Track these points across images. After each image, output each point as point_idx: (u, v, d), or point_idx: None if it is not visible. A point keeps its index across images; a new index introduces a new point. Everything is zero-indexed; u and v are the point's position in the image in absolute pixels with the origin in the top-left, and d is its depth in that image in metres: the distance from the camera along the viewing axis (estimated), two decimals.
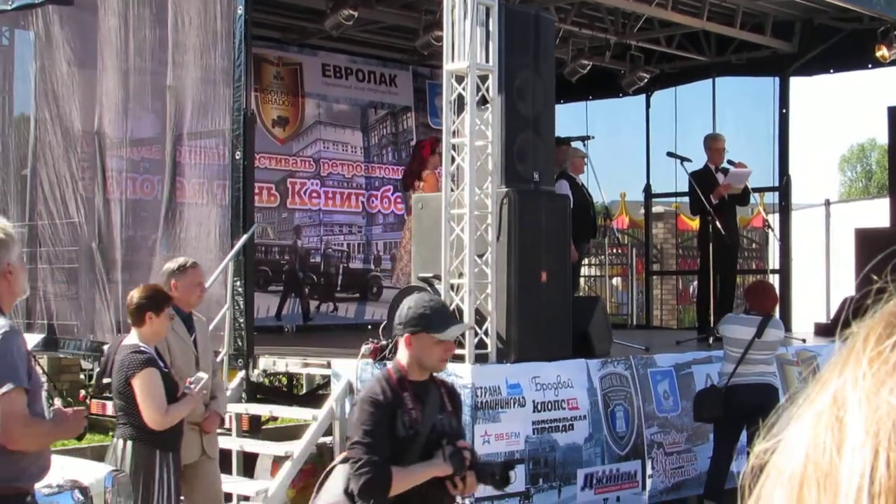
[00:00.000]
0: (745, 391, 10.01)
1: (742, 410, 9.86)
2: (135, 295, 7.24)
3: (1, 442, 4.86)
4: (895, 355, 0.90)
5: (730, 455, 10.27)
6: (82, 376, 16.45)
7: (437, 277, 9.56)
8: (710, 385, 10.73)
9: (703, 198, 13.38)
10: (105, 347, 7.20)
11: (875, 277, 1.06)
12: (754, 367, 10.11)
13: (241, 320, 10.39)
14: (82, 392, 15.91)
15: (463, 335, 9.23)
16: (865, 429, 0.88)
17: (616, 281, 24.91)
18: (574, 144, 13.90)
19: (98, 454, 13.15)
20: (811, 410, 0.94)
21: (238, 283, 10.40)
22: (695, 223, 15.90)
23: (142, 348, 7.09)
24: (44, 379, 6.60)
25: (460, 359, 9.20)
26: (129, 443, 7.13)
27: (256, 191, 12.96)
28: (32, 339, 8.88)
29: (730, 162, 14.16)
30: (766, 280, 12.53)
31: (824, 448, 0.90)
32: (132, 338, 7.22)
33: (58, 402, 7.35)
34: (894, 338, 0.92)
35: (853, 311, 1.00)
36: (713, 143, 14.29)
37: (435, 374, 5.55)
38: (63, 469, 7.74)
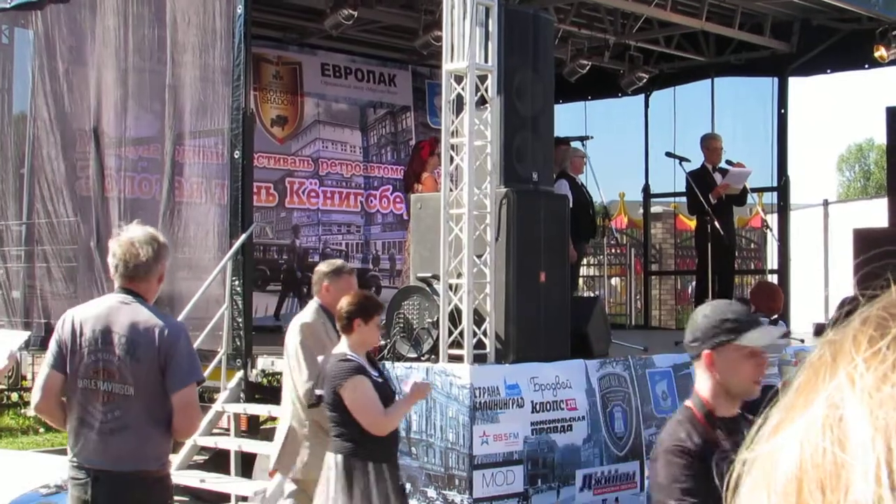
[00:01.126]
0: None
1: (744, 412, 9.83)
2: (343, 303, 7.04)
3: (183, 429, 5.76)
4: (892, 353, 0.91)
5: None
6: None
7: (436, 277, 9.56)
8: None
9: (701, 198, 13.38)
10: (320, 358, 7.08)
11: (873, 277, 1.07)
12: None
13: (240, 320, 10.38)
14: None
15: (461, 335, 9.24)
16: (872, 425, 0.88)
17: (615, 281, 24.89)
18: (573, 144, 13.90)
19: None
20: (800, 416, 0.94)
21: (236, 283, 10.40)
22: (693, 223, 15.89)
23: (349, 356, 6.90)
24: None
25: (458, 359, 9.20)
26: (340, 457, 6.80)
27: (255, 190, 12.95)
28: (18, 337, 8.84)
29: (728, 162, 14.16)
30: (771, 281, 12.50)
31: (824, 450, 0.90)
32: (341, 346, 7.04)
33: None
34: (888, 338, 0.93)
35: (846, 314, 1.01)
36: (710, 143, 14.30)
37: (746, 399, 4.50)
38: (61, 469, 7.75)
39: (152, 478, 5.65)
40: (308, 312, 7.89)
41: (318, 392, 6.96)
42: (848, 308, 1.02)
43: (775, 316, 10.34)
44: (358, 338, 6.97)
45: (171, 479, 5.99)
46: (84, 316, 5.72)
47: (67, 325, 5.73)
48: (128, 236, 5.72)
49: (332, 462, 6.78)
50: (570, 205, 11.19)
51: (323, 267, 8.11)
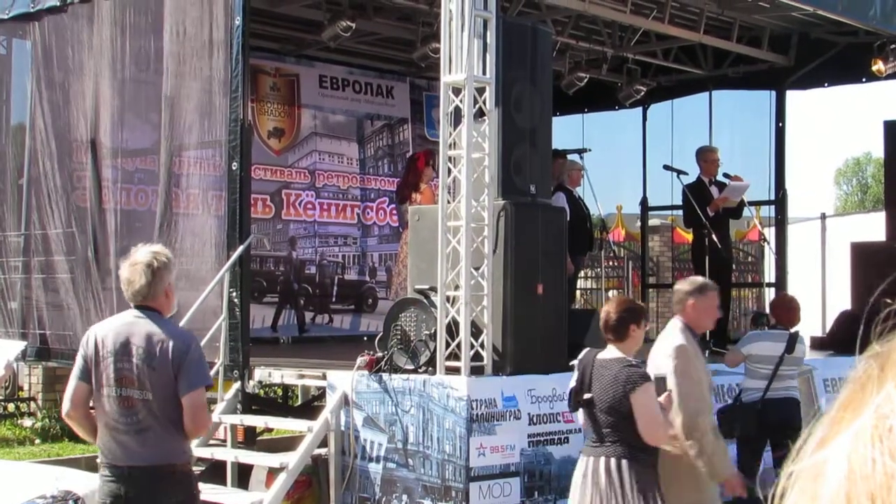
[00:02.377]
0: (772, 406, 9.93)
1: (769, 426, 9.80)
2: (612, 309, 7.12)
3: (193, 429, 6.28)
4: None
5: (755, 471, 10.10)
6: None
7: (434, 289, 9.55)
8: (734, 401, 10.51)
9: (699, 211, 13.37)
10: (574, 361, 7.07)
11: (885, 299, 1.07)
12: (783, 382, 10.02)
13: (237, 331, 10.37)
14: None
15: (458, 347, 9.23)
16: None
17: (612, 294, 24.88)
18: (570, 157, 13.90)
19: (92, 465, 13.13)
20: (847, 429, 0.94)
21: (234, 294, 10.39)
22: (690, 236, 15.89)
23: (634, 361, 7.00)
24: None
25: (455, 371, 9.20)
26: (625, 462, 6.78)
27: (251, 202, 12.95)
28: (15, 348, 8.84)
29: (725, 175, 14.16)
30: (789, 294, 12.48)
31: (873, 461, 0.90)
32: (612, 352, 7.07)
33: None
34: None
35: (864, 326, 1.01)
36: (707, 155, 14.28)
37: None
38: (58, 480, 7.72)
39: (179, 471, 6.30)
40: (676, 333, 7.53)
41: (586, 396, 6.98)
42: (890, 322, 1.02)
43: (795, 329, 10.31)
44: (631, 343, 7.10)
45: (194, 473, 6.70)
46: (105, 331, 6.37)
47: (91, 340, 6.36)
48: (131, 259, 6.34)
49: (606, 467, 6.79)
50: (568, 217, 11.19)
51: (685, 286, 7.82)
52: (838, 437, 0.94)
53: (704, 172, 14.09)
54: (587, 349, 7.31)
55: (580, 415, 7.17)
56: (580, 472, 6.92)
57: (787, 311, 10.47)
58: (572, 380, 7.17)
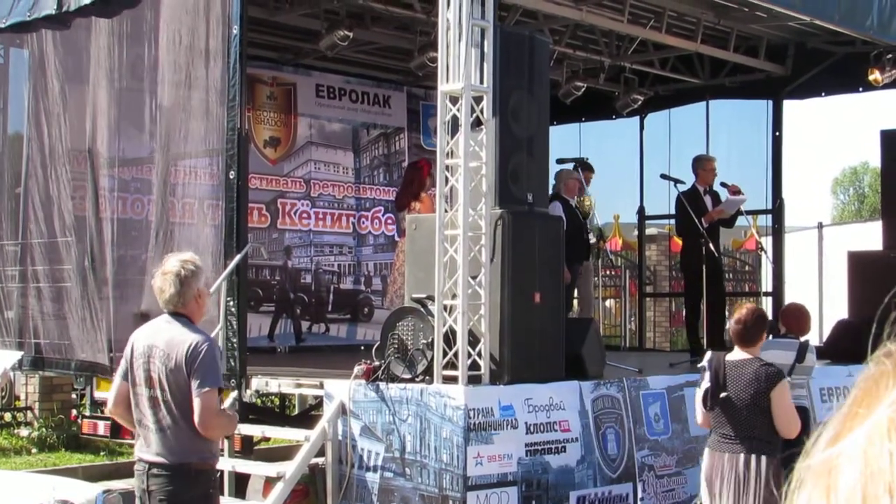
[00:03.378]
0: None
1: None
2: (746, 319, 7.87)
3: (200, 428, 6.55)
4: None
5: None
6: (74, 396, 16.41)
7: (431, 298, 9.54)
8: None
9: (696, 220, 13.38)
10: (702, 363, 7.85)
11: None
12: (792, 391, 10.05)
13: (234, 340, 10.35)
14: (73, 412, 15.88)
15: (456, 356, 9.23)
16: None
17: (609, 303, 24.90)
18: (566, 167, 13.91)
19: (89, 474, 13.12)
20: (861, 425, 0.94)
21: (231, 303, 10.37)
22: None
23: (768, 362, 7.72)
24: None
25: (453, 380, 9.19)
26: (764, 458, 7.41)
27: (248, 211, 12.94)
28: (11, 357, 8.87)
29: (723, 184, 14.17)
30: (799, 303, 12.49)
31: (890, 454, 0.90)
32: (740, 353, 7.79)
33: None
34: None
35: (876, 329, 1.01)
36: (705, 164, 14.30)
37: None
38: (54, 489, 7.71)
39: (195, 470, 6.67)
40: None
41: (724, 394, 7.53)
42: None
43: (805, 337, 10.32)
44: (758, 347, 7.83)
45: (213, 473, 6.97)
46: (138, 335, 6.94)
47: (129, 343, 6.97)
48: (162, 269, 6.86)
49: (746, 461, 7.36)
50: (565, 227, 11.20)
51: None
52: (853, 432, 0.95)
53: (700, 181, 14.10)
54: (711, 352, 8.01)
55: (699, 413, 7.82)
56: (711, 467, 7.47)
57: (797, 319, 10.50)
58: (705, 381, 7.71)
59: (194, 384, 6.56)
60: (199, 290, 6.84)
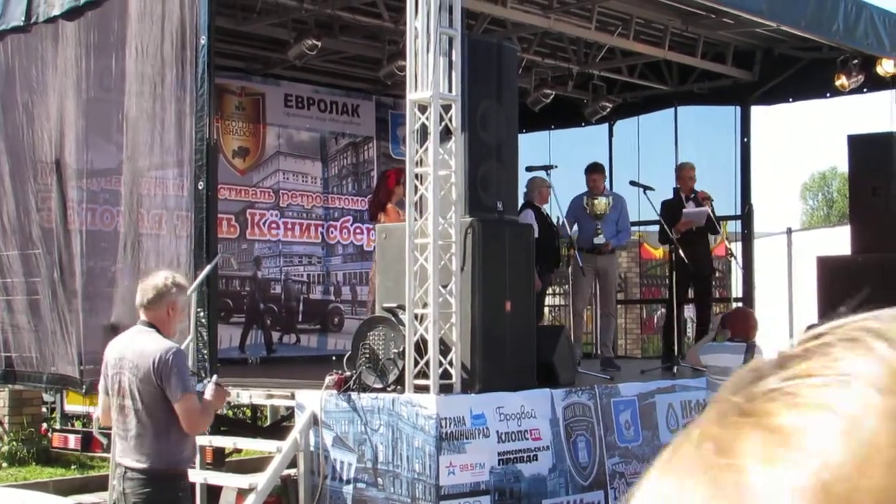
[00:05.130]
0: None
1: None
2: None
3: (188, 431, 6.94)
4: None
5: None
6: (44, 409, 16.31)
7: (402, 307, 9.53)
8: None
9: (666, 228, 13.49)
10: None
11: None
12: None
13: (205, 351, 10.31)
14: (44, 425, 15.78)
15: (427, 365, 9.21)
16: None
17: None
18: (538, 174, 13.92)
19: (60, 488, 13.04)
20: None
21: (202, 314, 10.33)
22: (659, 252, 15.98)
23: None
24: None
25: (424, 389, 9.17)
26: None
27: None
28: None
29: (692, 191, 14.30)
30: (746, 307, 12.61)
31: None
32: None
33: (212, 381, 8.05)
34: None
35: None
36: (681, 172, 14.59)
37: None
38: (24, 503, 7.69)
39: (167, 474, 6.94)
40: None
41: None
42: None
43: (752, 341, 10.37)
44: None
45: (184, 477, 7.23)
46: (111, 347, 7.25)
47: (105, 354, 7.26)
48: (144, 279, 7.32)
49: None
50: (536, 234, 11.21)
51: None
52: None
53: (682, 188, 14.36)
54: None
55: None
56: None
57: (742, 324, 10.55)
58: None
59: (171, 393, 6.82)
60: (174, 303, 7.09)
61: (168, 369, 6.82)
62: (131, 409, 6.96)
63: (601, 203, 14.02)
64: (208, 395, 7.38)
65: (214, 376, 9.86)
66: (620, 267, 22.31)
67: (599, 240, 13.78)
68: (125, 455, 7.03)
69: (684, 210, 14.06)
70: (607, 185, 14.91)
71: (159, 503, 6.99)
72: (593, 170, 14.50)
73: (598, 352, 14.38)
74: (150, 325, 7.04)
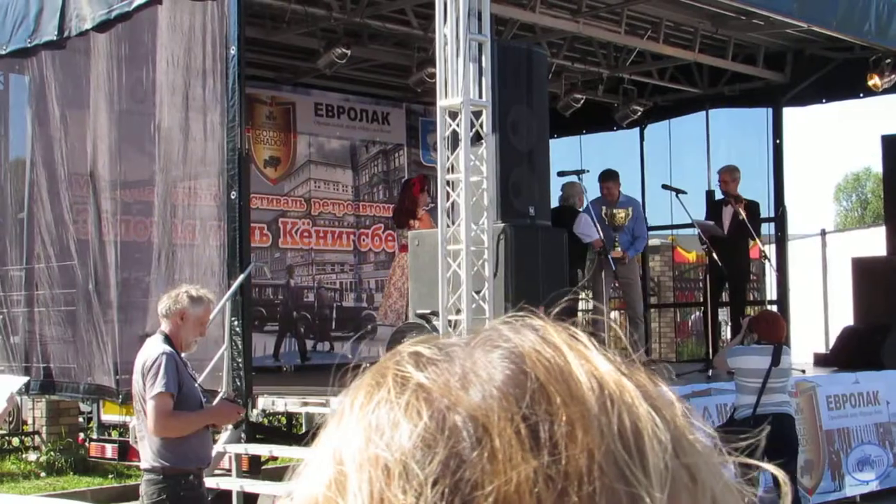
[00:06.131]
0: (764, 422, 9.89)
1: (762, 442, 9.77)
2: None
3: (152, 431, 6.99)
4: (375, 416, 0.92)
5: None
6: (81, 419, 16.40)
7: (435, 314, 9.54)
8: (728, 419, 10.51)
9: (701, 233, 13.60)
10: None
11: None
12: (773, 396, 10.00)
13: (240, 360, 10.34)
14: (81, 435, 15.87)
15: None
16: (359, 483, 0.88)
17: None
18: (572, 179, 13.92)
19: (97, 498, 13.11)
20: (312, 467, 0.93)
21: (236, 323, 10.37)
22: (692, 255, 15.98)
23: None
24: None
25: None
26: None
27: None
28: (17, 382, 8.86)
29: (727, 194, 14.36)
30: (772, 310, 12.59)
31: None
32: None
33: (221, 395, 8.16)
34: (376, 398, 0.94)
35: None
36: (721, 176, 14.70)
37: None
38: None
39: (167, 474, 7.07)
40: None
41: None
42: None
43: (780, 343, 10.31)
44: None
45: (185, 476, 7.21)
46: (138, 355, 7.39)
47: None
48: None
49: None
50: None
51: None
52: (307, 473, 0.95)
53: (722, 191, 14.55)
54: None
55: None
56: None
57: (770, 327, 10.48)
58: None
59: (147, 392, 7.00)
60: (183, 313, 7.21)
61: (149, 369, 6.98)
62: (139, 412, 7.19)
63: (620, 214, 14.04)
64: (214, 405, 7.54)
65: (225, 391, 9.91)
66: (654, 271, 22.29)
67: (616, 252, 13.80)
68: (141, 457, 7.30)
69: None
70: (622, 192, 14.88)
71: (161, 502, 7.13)
72: (607, 177, 14.50)
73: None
74: (164, 333, 7.22)
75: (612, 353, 0.98)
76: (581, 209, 13.89)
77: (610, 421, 0.89)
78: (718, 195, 14.73)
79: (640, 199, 17.80)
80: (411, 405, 0.91)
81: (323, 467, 0.93)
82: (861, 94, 16.28)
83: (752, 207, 14.51)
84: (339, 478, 0.90)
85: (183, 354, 7.26)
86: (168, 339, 7.17)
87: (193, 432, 7.18)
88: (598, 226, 13.41)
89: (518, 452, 0.85)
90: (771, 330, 10.40)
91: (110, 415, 13.77)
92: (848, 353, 13.85)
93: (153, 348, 7.13)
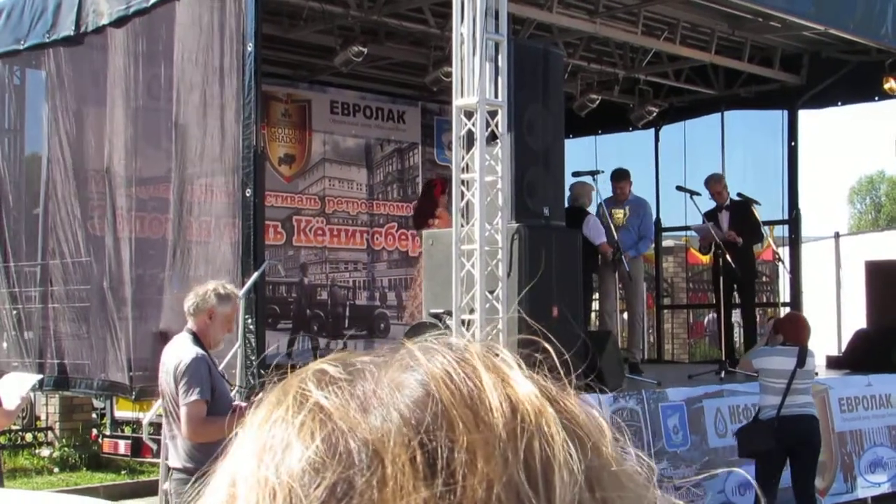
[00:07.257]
0: (789, 423, 9.91)
1: (785, 443, 9.79)
2: None
3: (186, 437, 6.96)
4: (270, 435, 0.89)
5: (775, 490, 10.02)
6: (94, 415, 16.44)
7: (449, 313, 9.54)
8: (753, 419, 10.50)
9: (713, 234, 13.58)
10: None
11: None
12: (798, 397, 10.00)
13: (253, 357, 10.34)
14: (94, 431, 15.90)
15: None
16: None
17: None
18: (584, 179, 13.94)
19: (110, 493, 13.14)
20: (211, 488, 0.92)
21: (249, 321, 10.37)
22: (706, 257, 16.00)
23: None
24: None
25: None
26: None
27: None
28: (31, 378, 8.88)
29: (739, 195, 14.32)
30: (797, 312, 12.62)
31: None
32: None
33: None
34: (273, 416, 0.91)
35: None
36: (710, 186, 14.69)
37: None
38: None
39: (188, 477, 6.98)
40: None
41: None
42: None
43: (805, 345, 10.30)
44: None
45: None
46: (164, 353, 7.36)
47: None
48: (197, 286, 7.43)
49: None
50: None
51: None
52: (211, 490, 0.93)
53: (717, 203, 14.53)
54: None
55: None
56: None
57: (795, 329, 10.47)
58: None
59: (180, 398, 6.95)
60: (213, 311, 7.18)
61: (181, 373, 6.96)
62: (169, 412, 7.19)
63: (618, 214, 14.09)
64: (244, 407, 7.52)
65: (236, 399, 9.94)
66: (667, 272, 22.29)
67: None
68: (170, 456, 7.31)
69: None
70: (634, 192, 14.89)
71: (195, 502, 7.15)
72: (619, 177, 14.54)
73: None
74: (192, 332, 7.20)
75: (543, 375, 0.95)
76: (590, 209, 13.91)
77: (517, 448, 0.85)
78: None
79: (653, 201, 17.80)
80: (306, 426, 0.88)
81: (219, 488, 0.91)
82: (876, 98, 16.26)
83: (742, 207, 14.48)
84: (230, 501, 0.89)
85: (211, 352, 7.28)
86: (196, 338, 7.16)
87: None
88: (610, 227, 13.43)
89: (410, 481, 0.83)
90: (796, 331, 10.39)
91: (123, 411, 13.79)
92: (861, 356, 13.83)
93: (185, 350, 7.09)
